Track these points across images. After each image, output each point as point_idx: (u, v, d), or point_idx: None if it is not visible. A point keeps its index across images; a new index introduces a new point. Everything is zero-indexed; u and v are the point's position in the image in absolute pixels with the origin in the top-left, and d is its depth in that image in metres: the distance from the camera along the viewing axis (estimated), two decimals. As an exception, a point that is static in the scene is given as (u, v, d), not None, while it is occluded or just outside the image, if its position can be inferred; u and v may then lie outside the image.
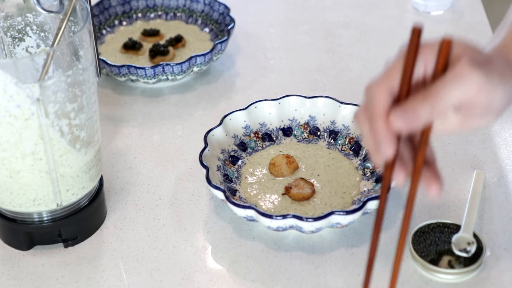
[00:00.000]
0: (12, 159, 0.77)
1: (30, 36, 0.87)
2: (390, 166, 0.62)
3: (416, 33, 0.59)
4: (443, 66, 0.60)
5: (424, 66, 0.62)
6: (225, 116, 0.94)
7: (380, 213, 0.63)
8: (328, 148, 0.94)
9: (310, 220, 0.79)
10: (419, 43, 0.60)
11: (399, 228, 0.85)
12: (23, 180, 0.78)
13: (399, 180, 0.62)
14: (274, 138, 0.96)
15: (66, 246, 0.85)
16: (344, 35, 1.22)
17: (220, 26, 1.17)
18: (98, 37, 1.18)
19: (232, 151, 0.93)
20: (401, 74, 0.60)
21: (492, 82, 0.60)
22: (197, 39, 1.17)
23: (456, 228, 0.82)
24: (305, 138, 0.96)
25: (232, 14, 1.18)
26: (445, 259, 0.80)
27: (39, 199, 0.80)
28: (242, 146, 0.94)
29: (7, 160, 0.77)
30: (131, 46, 1.14)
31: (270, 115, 0.96)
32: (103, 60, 1.06)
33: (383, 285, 0.79)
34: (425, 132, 0.61)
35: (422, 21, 1.24)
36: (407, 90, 0.60)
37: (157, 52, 1.12)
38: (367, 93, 0.61)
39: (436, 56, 0.61)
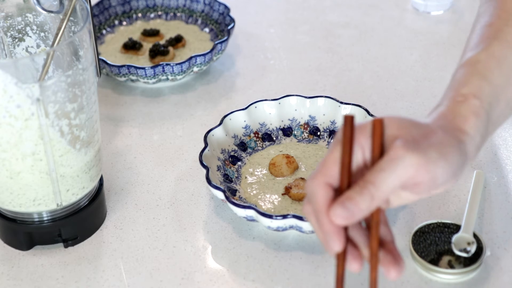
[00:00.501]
0: (13, 160, 0.77)
1: (30, 36, 0.87)
2: (341, 256, 0.61)
3: (349, 121, 0.59)
4: (379, 148, 0.60)
5: (362, 151, 0.61)
6: (225, 116, 0.94)
7: None
8: (328, 148, 0.94)
9: (310, 220, 0.79)
10: (353, 132, 0.60)
11: (399, 229, 0.85)
12: (23, 181, 0.78)
13: (354, 269, 0.61)
14: (274, 138, 0.96)
15: (66, 246, 0.85)
16: (344, 35, 1.22)
17: (220, 26, 1.17)
18: (98, 37, 1.18)
19: (232, 151, 0.93)
20: (339, 165, 0.60)
21: (430, 159, 0.59)
22: (197, 39, 1.17)
23: (456, 228, 0.82)
24: (305, 138, 0.96)
25: (232, 14, 1.18)
26: (445, 259, 0.80)
27: (39, 199, 0.80)
28: (242, 146, 0.94)
29: (7, 161, 0.77)
30: (131, 46, 1.14)
31: (270, 115, 0.96)
32: (103, 60, 1.06)
33: (384, 285, 0.79)
34: (375, 216, 0.60)
35: (422, 23, 1.24)
36: (348, 180, 0.60)
37: (157, 52, 1.12)
38: (307, 189, 0.61)
39: (370, 139, 0.60)
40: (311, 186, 0.61)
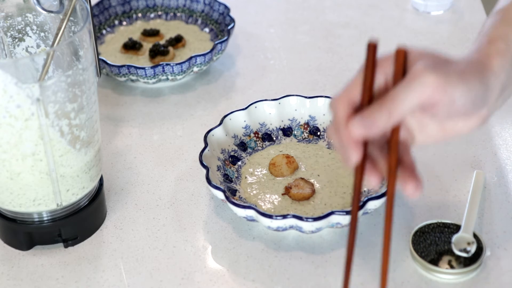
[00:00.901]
0: (13, 161, 0.77)
1: (30, 36, 0.87)
2: (360, 171, 0.63)
3: (372, 48, 0.61)
4: (401, 74, 0.62)
5: (385, 76, 0.63)
6: (225, 116, 0.94)
7: (353, 218, 0.64)
8: (328, 148, 0.95)
9: (310, 220, 0.79)
10: (375, 56, 0.62)
11: (399, 229, 0.85)
12: (24, 181, 0.78)
13: (372, 184, 0.64)
14: (274, 138, 0.96)
15: (66, 246, 0.85)
16: (344, 35, 1.22)
17: (220, 26, 1.17)
18: (98, 37, 1.18)
19: (232, 151, 0.93)
20: (361, 86, 0.62)
21: (449, 81, 0.61)
22: (197, 39, 1.17)
23: (456, 228, 0.82)
24: (305, 138, 0.96)
25: (232, 14, 1.18)
26: (445, 259, 0.80)
27: (39, 199, 0.80)
28: (242, 146, 0.94)
29: (7, 162, 0.77)
30: (131, 46, 1.14)
31: (270, 115, 0.96)
32: (103, 60, 1.06)
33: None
34: (394, 134, 0.62)
35: (422, 23, 1.24)
36: (369, 100, 0.62)
37: (157, 52, 1.12)
38: (330, 107, 0.64)
39: (393, 66, 0.62)
40: (334, 103, 0.63)
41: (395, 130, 0.62)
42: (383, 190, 0.82)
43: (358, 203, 0.64)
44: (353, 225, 0.65)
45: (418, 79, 0.60)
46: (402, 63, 0.62)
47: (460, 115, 0.63)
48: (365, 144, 0.63)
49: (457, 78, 0.61)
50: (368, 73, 0.62)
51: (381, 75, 0.63)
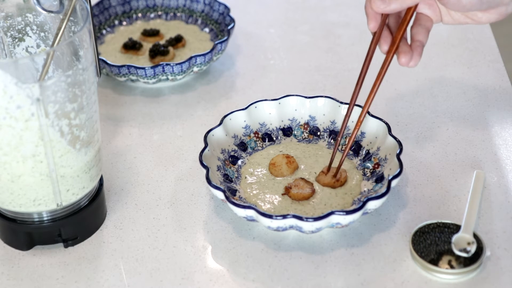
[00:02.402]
0: (13, 163, 0.77)
1: (30, 36, 0.87)
2: (376, 37, 0.84)
3: None
4: None
5: None
6: (225, 116, 0.94)
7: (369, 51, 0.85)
8: (328, 148, 0.94)
9: (310, 220, 0.79)
10: None
11: (399, 229, 0.85)
12: (24, 183, 0.78)
13: (382, 48, 0.83)
14: (274, 138, 0.96)
15: (66, 246, 0.85)
16: (344, 35, 1.22)
17: (220, 26, 1.17)
18: (98, 37, 1.18)
19: (232, 151, 0.93)
20: None
21: None
22: (197, 39, 1.17)
23: (456, 228, 0.82)
24: (305, 138, 0.96)
25: (232, 14, 1.18)
26: (445, 259, 0.80)
27: (39, 199, 0.80)
28: (242, 146, 0.94)
29: (8, 164, 0.77)
30: (131, 46, 1.14)
31: (270, 115, 0.96)
32: (103, 60, 1.06)
33: (384, 285, 0.79)
34: (406, 14, 0.80)
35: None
36: None
37: (157, 52, 1.12)
38: None
39: None
40: None
41: (409, 10, 0.80)
42: (383, 190, 0.82)
43: (369, 62, 0.85)
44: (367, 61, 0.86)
45: None
46: None
47: (470, 10, 0.76)
48: (385, 17, 0.81)
49: None
50: None
51: None
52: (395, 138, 0.88)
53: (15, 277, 0.82)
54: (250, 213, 0.81)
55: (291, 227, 0.82)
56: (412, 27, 0.84)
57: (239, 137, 0.94)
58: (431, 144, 0.97)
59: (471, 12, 0.79)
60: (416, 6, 0.78)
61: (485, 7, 0.76)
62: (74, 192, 0.82)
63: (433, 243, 0.81)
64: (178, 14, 1.23)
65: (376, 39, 0.83)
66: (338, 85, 1.10)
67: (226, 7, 1.18)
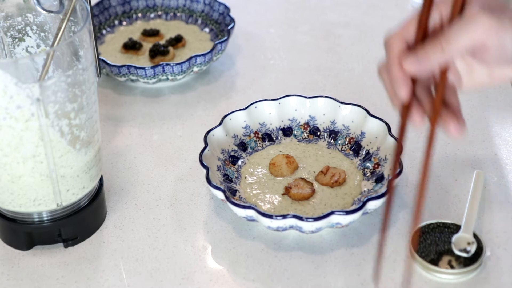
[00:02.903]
0: (14, 164, 0.77)
1: (30, 36, 0.87)
2: (406, 109, 0.66)
3: None
4: (457, 14, 0.64)
5: (440, 16, 0.66)
6: (225, 116, 0.94)
7: (397, 155, 0.70)
8: (328, 148, 0.95)
9: (310, 220, 0.79)
10: None
11: (399, 229, 0.85)
12: (24, 183, 0.78)
13: (416, 121, 0.66)
14: (274, 138, 0.96)
15: (66, 246, 0.85)
16: (344, 35, 1.22)
17: (220, 26, 1.17)
18: (98, 37, 1.18)
19: (232, 151, 0.93)
20: (416, 24, 0.65)
21: (502, 24, 0.63)
22: (197, 39, 1.17)
23: (456, 228, 0.82)
24: (305, 138, 0.96)
25: (232, 14, 1.18)
26: (445, 259, 0.80)
27: (39, 200, 0.80)
28: (242, 146, 0.94)
29: (8, 165, 0.77)
30: (131, 46, 1.14)
31: (270, 115, 0.96)
32: (103, 60, 1.06)
33: (384, 285, 0.79)
34: (443, 74, 0.65)
35: None
36: (423, 38, 0.65)
37: (157, 52, 1.12)
38: (385, 44, 0.67)
39: (450, 7, 0.65)
40: (388, 40, 0.67)
41: (443, 72, 0.65)
42: (383, 190, 0.82)
43: (401, 144, 0.67)
44: (397, 160, 0.71)
45: (472, 19, 0.62)
46: (460, 4, 0.64)
47: (509, 62, 0.66)
48: (414, 84, 0.65)
49: (510, 23, 0.63)
50: (424, 11, 0.64)
51: (436, 15, 0.65)
52: (395, 138, 0.88)
53: (15, 277, 0.82)
54: (250, 213, 0.81)
55: (291, 227, 0.82)
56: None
57: (239, 137, 0.94)
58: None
59: (499, 69, 0.67)
60: (449, 66, 0.65)
61: None
62: (74, 192, 0.82)
63: (433, 243, 0.81)
64: (178, 14, 1.23)
65: (406, 110, 0.66)
66: (338, 85, 1.10)
67: (226, 7, 1.18)
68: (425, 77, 0.67)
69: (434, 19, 0.66)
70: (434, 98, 0.65)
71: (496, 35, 0.63)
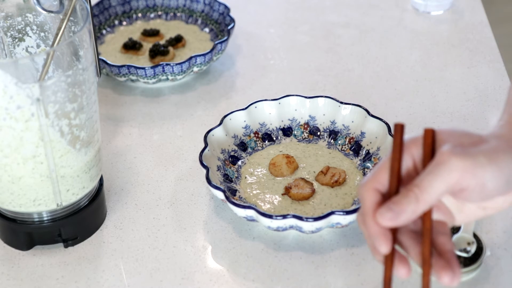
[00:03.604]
0: (14, 165, 0.77)
1: (30, 36, 0.87)
2: (389, 261, 0.61)
3: (399, 129, 0.61)
4: (429, 155, 0.61)
5: (412, 159, 0.62)
6: (225, 116, 0.94)
7: None
8: (328, 148, 0.94)
9: (310, 220, 0.79)
10: (403, 137, 0.61)
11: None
12: (24, 184, 0.78)
13: (401, 274, 0.62)
14: (274, 138, 0.96)
15: (66, 246, 0.85)
16: (344, 35, 1.22)
17: (220, 26, 1.17)
18: (98, 37, 1.18)
19: (232, 151, 0.93)
20: (388, 171, 0.61)
21: (477, 163, 0.59)
22: (197, 39, 1.17)
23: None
24: (305, 138, 0.96)
25: (232, 14, 1.18)
26: (445, 259, 0.80)
27: (39, 200, 0.80)
28: (242, 146, 0.94)
29: (9, 166, 0.77)
30: (131, 46, 1.14)
31: (270, 115, 0.96)
32: (103, 60, 1.06)
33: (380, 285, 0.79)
34: (426, 222, 0.61)
35: (422, 23, 1.25)
36: (397, 186, 0.61)
37: (157, 52, 1.12)
38: (358, 194, 0.63)
39: (421, 149, 0.61)
40: (361, 191, 0.62)
41: (427, 217, 0.61)
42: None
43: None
44: None
45: (444, 164, 0.59)
46: (431, 144, 0.61)
47: (495, 197, 0.61)
48: (394, 233, 0.61)
49: (487, 160, 0.59)
50: (396, 156, 0.61)
51: (409, 158, 0.62)
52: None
53: (15, 277, 0.82)
54: (250, 213, 0.81)
55: (291, 227, 0.82)
56: (433, 241, 0.63)
57: (239, 137, 0.94)
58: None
59: (489, 202, 0.63)
60: (431, 211, 0.61)
61: (510, 188, 0.61)
62: (74, 192, 0.82)
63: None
64: (178, 14, 1.23)
65: (389, 262, 0.61)
66: (338, 85, 1.10)
67: (226, 7, 1.18)
68: (406, 224, 0.62)
69: (407, 163, 0.62)
70: (422, 246, 0.60)
71: (473, 176, 0.59)
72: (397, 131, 0.61)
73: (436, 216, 0.63)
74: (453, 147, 0.60)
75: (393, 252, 0.61)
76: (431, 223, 0.61)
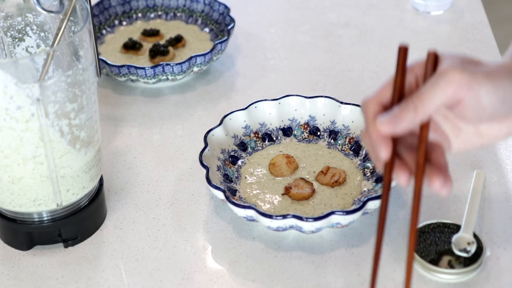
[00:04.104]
0: (14, 166, 0.77)
1: (30, 36, 0.87)
2: (389, 168, 0.64)
3: (402, 51, 0.64)
4: (431, 75, 0.63)
5: (415, 78, 0.65)
6: (225, 116, 0.94)
7: (382, 213, 0.65)
8: (328, 148, 0.95)
9: (310, 220, 0.79)
10: (406, 59, 0.64)
11: (398, 228, 0.85)
12: (25, 184, 0.78)
13: (401, 181, 0.64)
14: (274, 138, 0.96)
15: (66, 246, 0.85)
16: (344, 35, 1.22)
17: (220, 26, 1.17)
18: (98, 37, 1.18)
19: (232, 151, 0.93)
20: (391, 88, 0.64)
21: (475, 77, 0.62)
22: (197, 39, 1.17)
23: (456, 228, 0.82)
24: (305, 138, 0.96)
25: (232, 14, 1.18)
26: (445, 259, 0.80)
27: (39, 200, 0.80)
28: (242, 146, 0.94)
29: (9, 167, 0.77)
30: (131, 46, 1.14)
31: (270, 115, 0.96)
32: (103, 60, 1.06)
33: (384, 285, 0.79)
34: (423, 131, 0.63)
35: (422, 23, 1.25)
36: (399, 100, 0.64)
37: (157, 52, 1.12)
38: (362, 108, 0.66)
39: (424, 68, 0.64)
40: (364, 104, 0.65)
41: (424, 127, 0.63)
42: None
43: (386, 202, 0.65)
44: (382, 219, 0.65)
45: (443, 76, 0.62)
46: (433, 64, 0.63)
47: (490, 117, 0.64)
48: (395, 143, 0.64)
49: (484, 77, 0.62)
50: (399, 75, 0.64)
51: (411, 77, 0.65)
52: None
53: (15, 277, 0.82)
54: (250, 213, 0.81)
55: (291, 227, 0.82)
56: (429, 157, 0.67)
57: (239, 137, 0.94)
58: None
59: (486, 126, 0.66)
60: (429, 122, 0.63)
61: (506, 110, 0.64)
62: (74, 192, 0.82)
63: (433, 243, 0.81)
64: (178, 14, 1.23)
65: (389, 169, 0.64)
66: (338, 85, 1.10)
67: (226, 7, 1.18)
68: (407, 135, 0.66)
69: (410, 81, 0.65)
70: (418, 154, 0.63)
71: (469, 89, 0.61)
72: (401, 53, 0.64)
73: (433, 137, 0.67)
74: (454, 64, 0.63)
75: (392, 161, 0.64)
76: (427, 133, 0.63)
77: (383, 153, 0.63)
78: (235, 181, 0.90)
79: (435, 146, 0.66)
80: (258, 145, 0.95)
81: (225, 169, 0.91)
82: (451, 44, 1.18)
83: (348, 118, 0.94)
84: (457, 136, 0.67)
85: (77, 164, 0.80)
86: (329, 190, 0.88)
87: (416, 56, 1.13)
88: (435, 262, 0.79)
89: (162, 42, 1.16)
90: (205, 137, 0.90)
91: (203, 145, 0.93)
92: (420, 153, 0.63)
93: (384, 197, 0.65)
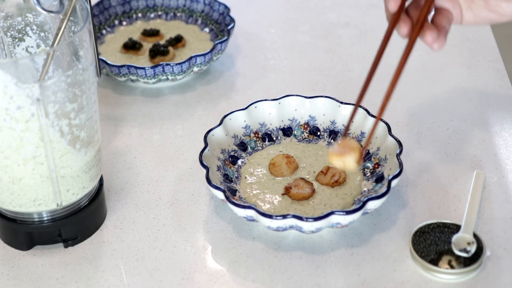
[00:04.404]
0: (14, 166, 0.77)
1: (30, 36, 0.87)
2: (394, 19, 0.74)
3: None
4: None
5: None
6: (225, 116, 0.94)
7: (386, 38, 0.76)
8: (328, 148, 0.94)
9: (310, 220, 0.79)
10: None
11: (399, 229, 0.85)
12: (25, 184, 0.78)
13: (401, 31, 0.74)
14: (274, 138, 0.96)
15: (66, 246, 0.85)
16: (344, 35, 1.22)
17: (220, 26, 1.17)
18: (98, 37, 1.18)
19: (232, 151, 0.93)
20: None
21: None
22: (197, 39, 1.17)
23: (456, 228, 0.82)
24: (305, 138, 0.96)
25: (232, 14, 1.18)
26: (445, 259, 0.80)
27: (39, 200, 0.80)
28: (242, 146, 0.94)
29: (9, 167, 0.77)
30: (131, 46, 1.14)
31: (270, 115, 0.96)
32: (103, 60, 1.06)
33: (384, 285, 0.79)
34: None
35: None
36: None
37: (157, 52, 1.12)
38: None
39: None
40: None
41: None
42: (383, 190, 0.82)
43: (385, 44, 0.75)
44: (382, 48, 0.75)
45: None
46: None
47: None
48: (403, 2, 0.73)
49: None
50: None
51: None
52: (395, 138, 0.88)
53: (15, 277, 0.82)
54: (250, 213, 0.81)
55: (291, 227, 0.82)
56: (433, 19, 0.77)
57: (239, 137, 0.94)
58: (431, 144, 0.97)
59: (495, 3, 0.73)
60: None
61: None
62: (74, 192, 0.82)
63: (433, 243, 0.81)
64: (178, 14, 1.23)
65: (394, 20, 0.74)
66: (338, 85, 1.10)
67: (226, 7, 1.18)
68: None
69: None
70: (421, 10, 0.72)
71: None
72: None
73: (446, 4, 0.76)
74: None
75: (399, 14, 0.73)
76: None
77: (391, 4, 0.73)
78: (235, 181, 0.90)
79: (443, 11, 0.75)
80: (258, 145, 0.95)
81: (225, 169, 0.91)
82: (451, 44, 1.18)
83: (348, 118, 0.94)
84: (468, 7, 0.75)
85: (77, 164, 0.80)
86: (329, 190, 0.88)
87: (420, 53, 1.13)
88: (435, 262, 0.79)
89: (162, 42, 1.16)
90: (205, 137, 0.90)
91: (203, 145, 0.93)
92: (423, 10, 0.72)
93: (384, 43, 0.75)
